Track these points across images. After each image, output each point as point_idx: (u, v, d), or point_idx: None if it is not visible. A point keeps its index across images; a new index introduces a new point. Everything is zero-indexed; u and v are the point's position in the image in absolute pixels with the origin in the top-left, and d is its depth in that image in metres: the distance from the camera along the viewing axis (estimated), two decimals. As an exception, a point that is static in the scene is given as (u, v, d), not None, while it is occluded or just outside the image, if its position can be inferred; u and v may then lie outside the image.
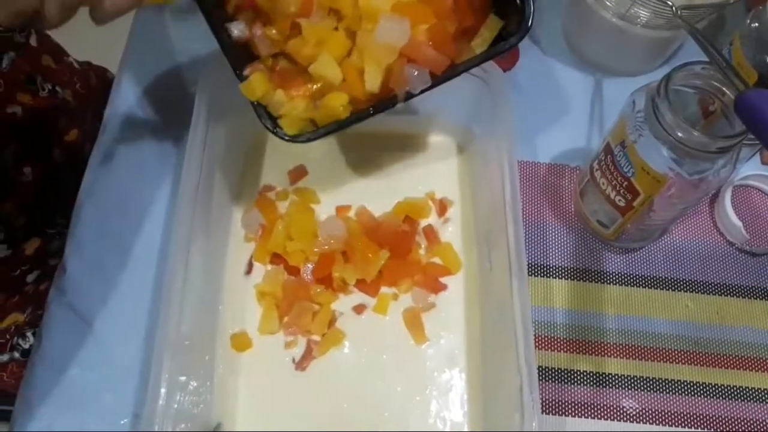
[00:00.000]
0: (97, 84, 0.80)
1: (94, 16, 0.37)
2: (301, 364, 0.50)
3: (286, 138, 0.45)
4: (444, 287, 0.53)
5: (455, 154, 0.59)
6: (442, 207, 0.56)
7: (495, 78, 0.51)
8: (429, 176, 0.57)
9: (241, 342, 0.51)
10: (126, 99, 0.61)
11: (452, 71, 0.45)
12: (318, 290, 0.52)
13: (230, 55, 0.44)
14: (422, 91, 0.45)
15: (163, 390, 0.42)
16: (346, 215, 0.55)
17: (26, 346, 0.69)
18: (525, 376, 0.42)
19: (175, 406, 0.43)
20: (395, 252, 0.53)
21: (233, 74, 0.45)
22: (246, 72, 0.44)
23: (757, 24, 0.50)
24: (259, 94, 0.44)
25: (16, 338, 0.69)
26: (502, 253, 0.47)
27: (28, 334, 0.69)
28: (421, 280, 0.53)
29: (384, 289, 0.53)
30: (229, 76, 0.48)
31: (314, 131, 0.45)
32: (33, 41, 0.68)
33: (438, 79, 0.45)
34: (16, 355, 0.70)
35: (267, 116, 0.45)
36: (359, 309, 0.53)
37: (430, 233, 0.55)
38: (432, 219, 0.56)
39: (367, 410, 0.49)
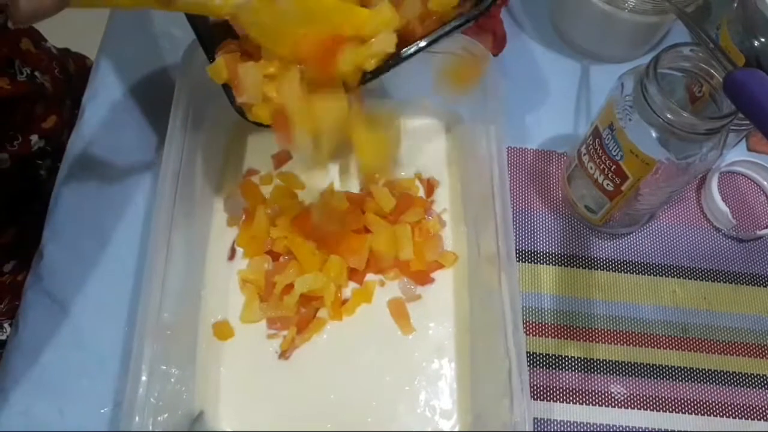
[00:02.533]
0: (75, 71, 0.79)
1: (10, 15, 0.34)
2: (284, 353, 0.49)
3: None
4: (432, 280, 0.52)
5: (443, 137, 0.58)
6: (430, 187, 0.55)
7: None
8: (416, 158, 0.56)
9: (223, 331, 0.50)
10: (105, 83, 0.59)
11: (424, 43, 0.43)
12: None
13: (205, 38, 0.43)
14: (393, 65, 0.43)
15: (143, 379, 0.41)
16: (330, 201, 0.54)
17: (3, 337, 0.67)
18: (514, 360, 0.42)
19: (156, 394, 0.41)
20: (380, 237, 0.52)
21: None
22: (217, 54, 0.43)
23: (743, 8, 0.50)
24: (225, 77, 0.42)
25: (-8, 329, 0.68)
26: (491, 239, 0.46)
27: (5, 324, 0.68)
28: (408, 271, 0.52)
29: (370, 276, 0.52)
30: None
31: None
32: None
33: (406, 54, 0.43)
34: (-7, 346, 0.68)
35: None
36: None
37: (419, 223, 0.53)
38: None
39: (353, 399, 0.49)
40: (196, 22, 0.43)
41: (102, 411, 0.47)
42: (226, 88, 0.43)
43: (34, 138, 0.68)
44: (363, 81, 0.42)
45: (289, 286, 0.50)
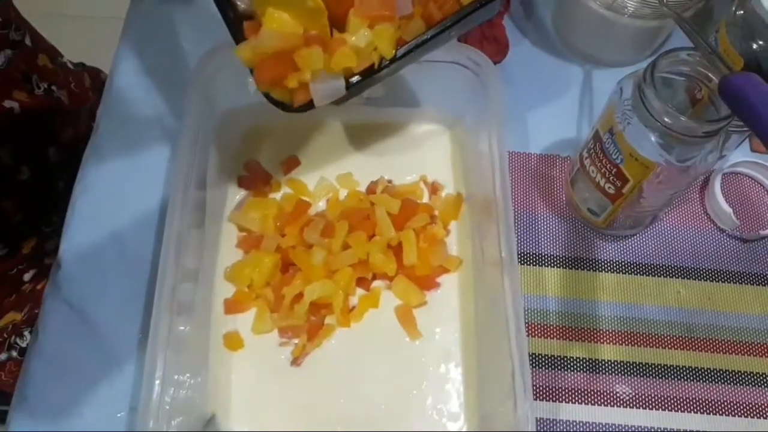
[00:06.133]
0: (90, 85, 0.81)
1: None
2: (296, 360, 0.50)
3: (290, 108, 0.43)
4: (437, 285, 0.53)
5: (448, 143, 0.59)
6: (435, 190, 0.56)
7: (485, 70, 0.52)
8: (421, 164, 0.57)
9: (233, 341, 0.51)
10: (120, 94, 0.61)
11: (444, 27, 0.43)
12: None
13: (235, 29, 0.43)
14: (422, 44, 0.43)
15: (156, 389, 0.42)
16: (335, 208, 0.55)
17: (24, 345, 0.69)
18: (516, 362, 0.43)
19: (168, 400, 0.42)
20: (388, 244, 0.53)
21: (227, 64, 0.44)
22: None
23: (742, 11, 0.50)
24: (251, 61, 0.42)
25: (13, 337, 0.70)
26: (494, 243, 0.47)
27: (26, 332, 0.70)
28: (413, 276, 0.53)
29: (376, 283, 0.53)
30: (222, 67, 0.49)
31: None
32: (28, 41, 0.68)
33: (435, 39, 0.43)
34: (14, 354, 0.70)
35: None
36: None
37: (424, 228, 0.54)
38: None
39: (363, 403, 0.49)
40: (226, 10, 0.43)
41: (119, 415, 0.48)
42: (253, 71, 0.43)
43: (52, 150, 0.71)
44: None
45: (299, 296, 0.51)
